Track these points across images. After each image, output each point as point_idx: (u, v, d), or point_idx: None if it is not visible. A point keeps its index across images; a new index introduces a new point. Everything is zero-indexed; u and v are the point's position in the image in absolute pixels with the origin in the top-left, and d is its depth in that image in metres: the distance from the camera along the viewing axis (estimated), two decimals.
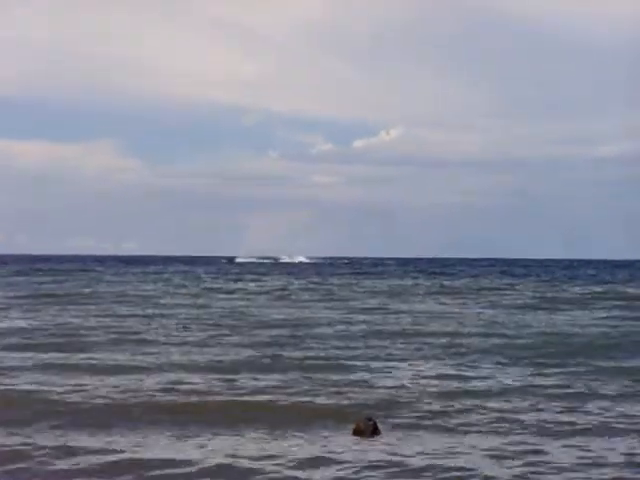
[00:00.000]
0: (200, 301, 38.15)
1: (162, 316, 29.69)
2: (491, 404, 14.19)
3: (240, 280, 64.19)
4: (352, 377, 16.70)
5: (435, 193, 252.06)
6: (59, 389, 14.88)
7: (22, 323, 26.78)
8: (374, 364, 18.54)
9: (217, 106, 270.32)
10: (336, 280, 65.57)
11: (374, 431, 12.24)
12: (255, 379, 16.27)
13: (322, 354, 20.15)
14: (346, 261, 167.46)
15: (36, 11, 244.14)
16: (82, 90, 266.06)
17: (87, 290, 45.59)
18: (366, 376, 16.86)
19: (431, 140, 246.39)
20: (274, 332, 24.83)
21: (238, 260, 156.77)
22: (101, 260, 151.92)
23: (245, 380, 16.15)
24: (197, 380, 16.04)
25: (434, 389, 15.55)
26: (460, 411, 13.67)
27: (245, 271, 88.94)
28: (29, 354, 19.50)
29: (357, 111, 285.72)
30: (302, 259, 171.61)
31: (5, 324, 26.49)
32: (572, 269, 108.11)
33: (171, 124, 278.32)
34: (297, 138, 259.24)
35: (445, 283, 60.37)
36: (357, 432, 12.20)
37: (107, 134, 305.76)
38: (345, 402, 14.23)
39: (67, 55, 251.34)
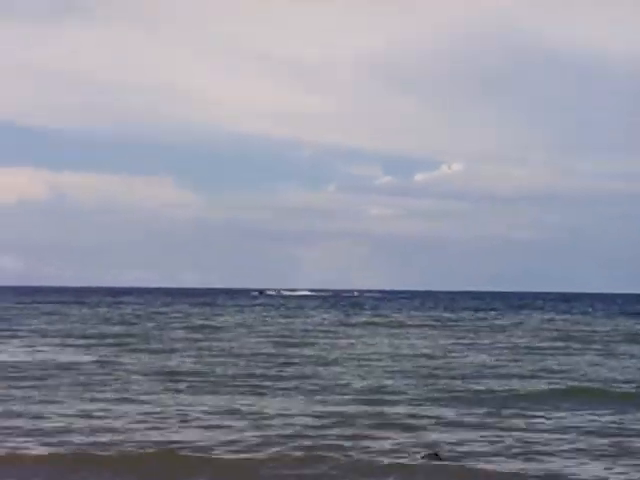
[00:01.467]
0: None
1: None
2: None
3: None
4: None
5: (495, 226, 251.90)
6: None
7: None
8: None
9: (276, 140, 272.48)
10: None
11: None
12: None
13: None
14: (405, 295, 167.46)
15: (99, 44, 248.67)
16: (139, 124, 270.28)
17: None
18: None
19: (491, 174, 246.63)
20: None
21: (285, 293, 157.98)
22: (168, 292, 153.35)
23: None
24: None
25: None
26: None
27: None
28: None
29: (417, 144, 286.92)
30: (355, 293, 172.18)
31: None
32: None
33: (229, 157, 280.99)
34: (356, 171, 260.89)
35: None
36: None
37: (163, 167, 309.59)
38: None
39: (121, 89, 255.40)
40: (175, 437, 15.47)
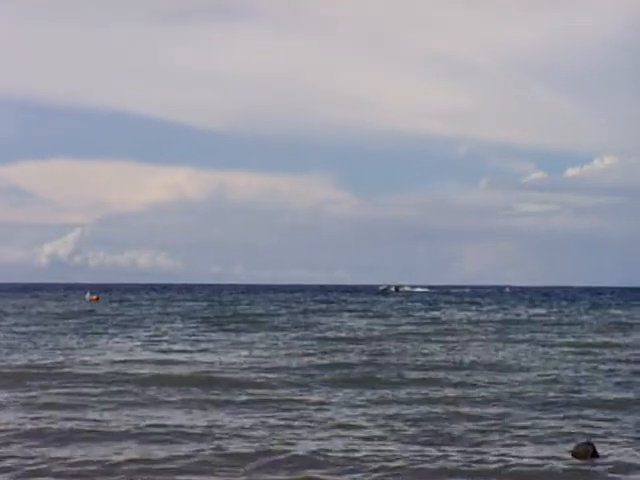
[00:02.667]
0: None
1: None
2: None
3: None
4: None
5: None
6: None
7: None
8: None
9: (427, 137, 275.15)
10: None
11: (593, 454, 14.00)
12: None
13: None
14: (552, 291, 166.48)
15: (259, 48, 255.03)
16: (298, 123, 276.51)
17: None
18: None
19: None
20: None
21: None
22: (324, 289, 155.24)
23: None
24: None
25: None
26: None
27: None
28: None
29: (569, 139, 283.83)
30: (507, 289, 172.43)
31: None
32: None
33: (382, 156, 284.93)
34: (507, 167, 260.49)
35: None
36: (576, 455, 14.05)
37: (321, 166, 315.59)
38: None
39: (282, 90, 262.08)
40: None
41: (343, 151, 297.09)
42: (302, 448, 14.79)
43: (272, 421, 17.38)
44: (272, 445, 14.98)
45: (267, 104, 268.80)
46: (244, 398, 20.38)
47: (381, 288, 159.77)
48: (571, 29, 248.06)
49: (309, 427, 16.77)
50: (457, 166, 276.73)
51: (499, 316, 62.56)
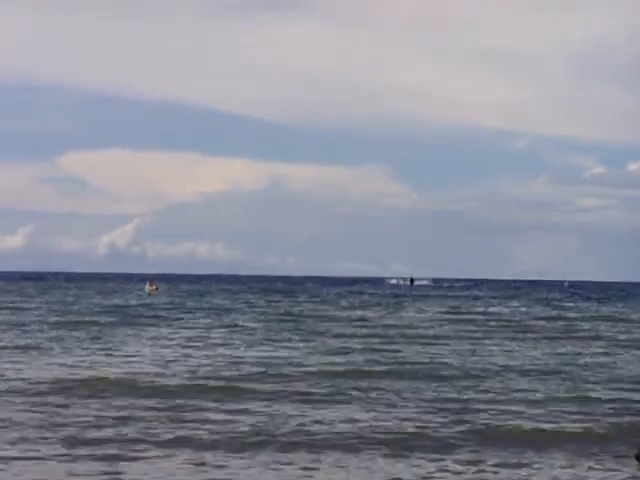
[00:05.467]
0: None
1: None
2: None
3: None
4: None
5: None
6: None
7: None
8: None
9: (486, 131, 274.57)
10: None
11: None
12: None
13: None
14: None
15: (314, 41, 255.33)
16: (354, 116, 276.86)
17: None
18: None
19: None
20: None
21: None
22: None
23: None
24: None
25: None
26: None
27: None
28: None
29: (630, 134, 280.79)
30: (566, 283, 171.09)
31: None
32: None
33: (440, 149, 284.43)
34: (567, 161, 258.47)
35: None
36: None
37: (377, 159, 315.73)
38: None
39: (338, 83, 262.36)
40: None
41: (399, 144, 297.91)
42: None
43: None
44: None
45: (322, 96, 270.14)
46: None
47: (392, 282, 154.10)
48: (633, 24, 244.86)
49: None
50: (516, 160, 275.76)
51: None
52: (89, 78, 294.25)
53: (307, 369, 25.05)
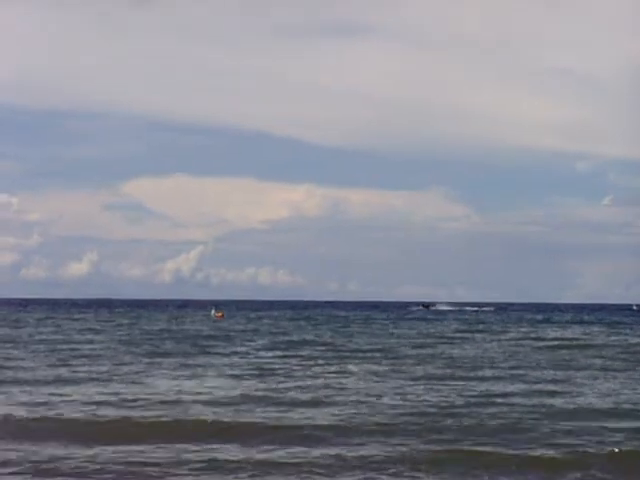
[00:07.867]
0: None
1: None
2: None
3: None
4: None
5: None
6: None
7: None
8: None
9: (547, 152, 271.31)
10: None
11: None
12: None
13: None
14: None
15: (377, 65, 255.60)
16: (410, 138, 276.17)
17: None
18: None
19: None
20: None
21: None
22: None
23: None
24: None
25: None
26: None
27: None
28: None
29: None
30: (635, 307, 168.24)
31: None
32: None
33: (501, 171, 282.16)
34: (631, 183, 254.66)
35: None
36: None
37: (439, 182, 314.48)
38: None
39: (395, 105, 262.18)
40: None
41: (461, 167, 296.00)
42: None
43: None
44: None
45: (384, 120, 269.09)
46: None
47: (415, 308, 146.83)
48: None
49: None
50: (578, 182, 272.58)
51: None
52: (151, 103, 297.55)
53: None
